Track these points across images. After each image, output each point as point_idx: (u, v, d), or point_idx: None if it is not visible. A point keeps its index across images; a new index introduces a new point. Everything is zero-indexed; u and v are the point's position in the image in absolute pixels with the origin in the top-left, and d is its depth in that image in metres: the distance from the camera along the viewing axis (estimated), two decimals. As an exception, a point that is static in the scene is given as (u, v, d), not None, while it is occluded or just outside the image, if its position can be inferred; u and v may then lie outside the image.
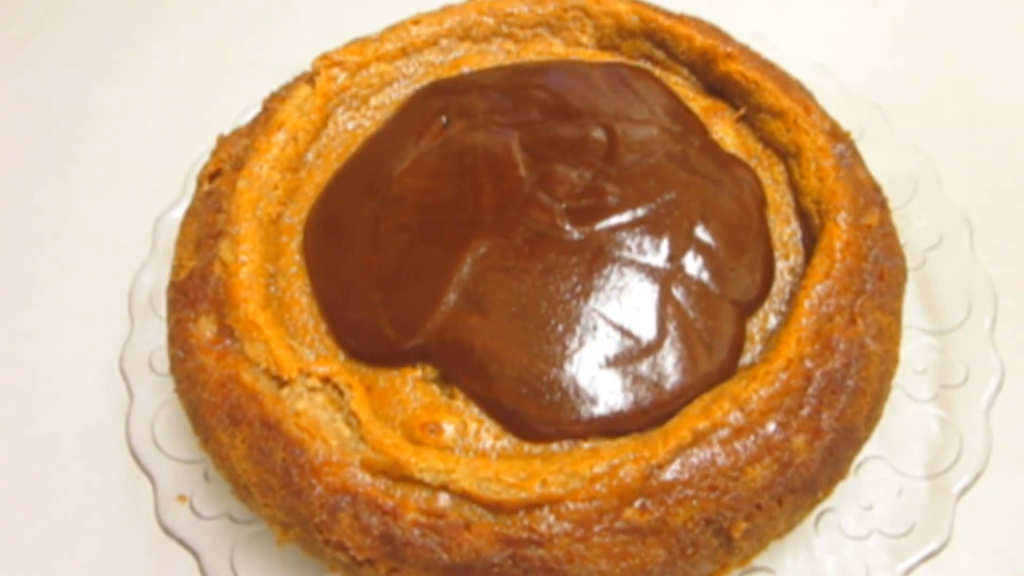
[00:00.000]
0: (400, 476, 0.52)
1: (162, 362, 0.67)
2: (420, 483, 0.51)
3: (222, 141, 0.73)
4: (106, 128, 0.99)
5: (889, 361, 0.59)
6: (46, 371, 0.78)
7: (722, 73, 0.72)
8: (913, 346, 0.68)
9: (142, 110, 1.00)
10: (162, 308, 0.68)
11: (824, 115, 0.69)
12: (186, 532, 0.60)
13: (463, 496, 0.51)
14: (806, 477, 0.53)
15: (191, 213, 0.68)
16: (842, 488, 0.58)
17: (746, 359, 0.59)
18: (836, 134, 0.68)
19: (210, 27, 1.09)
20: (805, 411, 0.54)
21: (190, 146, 0.80)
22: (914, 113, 0.89)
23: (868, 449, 0.59)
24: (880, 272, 0.61)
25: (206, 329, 0.60)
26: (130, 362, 0.68)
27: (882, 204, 0.65)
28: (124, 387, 0.67)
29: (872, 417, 0.58)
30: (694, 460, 0.52)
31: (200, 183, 0.70)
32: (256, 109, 0.76)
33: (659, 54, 0.76)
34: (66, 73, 1.05)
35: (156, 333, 0.69)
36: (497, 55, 0.79)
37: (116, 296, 0.74)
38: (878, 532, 0.60)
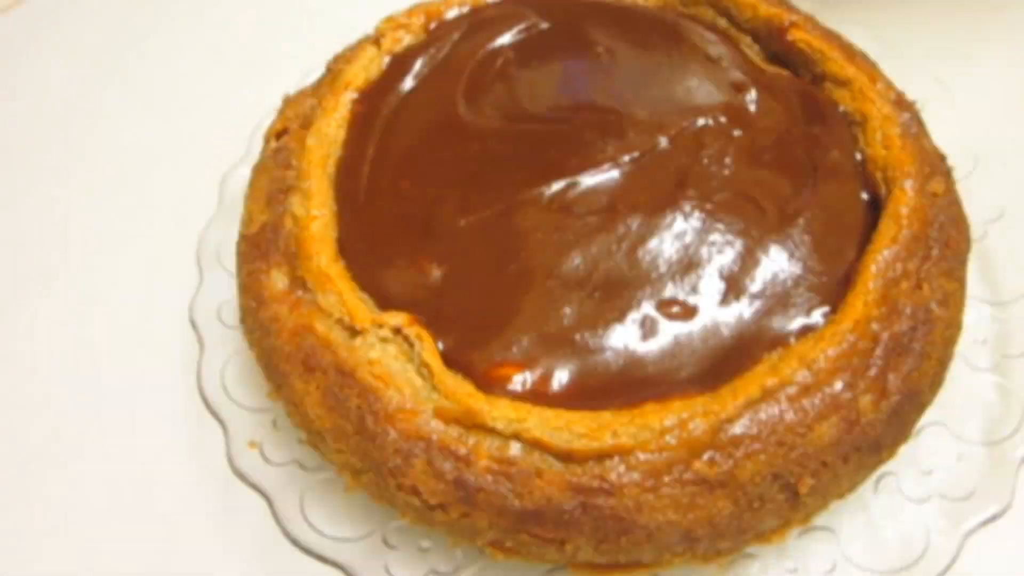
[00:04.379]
0: (473, 424, 0.53)
1: (230, 314, 0.69)
2: (492, 431, 0.52)
3: (288, 101, 0.74)
4: (169, 94, 1.01)
5: (954, 327, 0.60)
6: (118, 323, 0.80)
7: (787, 42, 0.72)
8: (973, 317, 0.67)
9: (203, 76, 1.02)
10: (229, 263, 0.69)
11: (890, 85, 0.69)
12: (257, 476, 0.61)
13: (534, 445, 0.52)
14: (871, 437, 0.54)
15: (260, 169, 0.69)
16: (901, 452, 0.58)
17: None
18: (901, 103, 0.68)
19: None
20: (872, 372, 0.54)
21: (249, 112, 0.81)
22: (975, 87, 0.88)
23: (928, 415, 0.59)
24: (946, 239, 0.61)
25: (278, 281, 0.61)
26: (200, 314, 0.69)
27: (947, 174, 0.65)
28: (194, 338, 0.68)
29: (936, 381, 0.58)
30: (762, 416, 0.52)
31: (267, 140, 0.71)
32: (315, 74, 0.77)
33: (722, 22, 0.76)
34: (127, 37, 1.07)
35: (224, 287, 0.70)
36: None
37: (184, 252, 0.75)
38: (938, 496, 0.61)
